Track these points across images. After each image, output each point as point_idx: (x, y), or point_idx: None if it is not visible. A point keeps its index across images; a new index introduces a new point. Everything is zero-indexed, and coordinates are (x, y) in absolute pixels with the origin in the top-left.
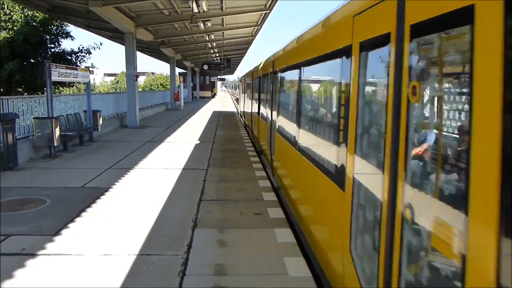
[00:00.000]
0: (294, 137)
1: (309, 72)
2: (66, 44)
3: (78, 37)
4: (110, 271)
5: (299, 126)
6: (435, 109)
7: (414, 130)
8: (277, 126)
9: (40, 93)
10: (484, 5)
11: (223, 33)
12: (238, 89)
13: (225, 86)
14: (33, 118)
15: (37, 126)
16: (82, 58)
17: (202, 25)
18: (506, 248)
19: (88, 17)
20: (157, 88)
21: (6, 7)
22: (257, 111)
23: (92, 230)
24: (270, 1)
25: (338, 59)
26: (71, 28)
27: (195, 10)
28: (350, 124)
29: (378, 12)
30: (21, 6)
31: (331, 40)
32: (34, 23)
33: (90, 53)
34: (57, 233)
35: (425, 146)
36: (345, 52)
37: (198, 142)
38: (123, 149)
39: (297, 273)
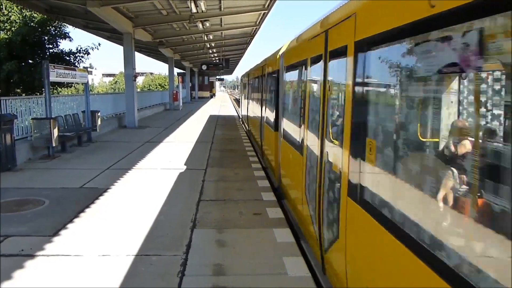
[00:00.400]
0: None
1: None
2: (64, 45)
3: (76, 38)
4: (109, 271)
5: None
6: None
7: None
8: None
9: (38, 93)
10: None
11: (221, 33)
12: (237, 89)
13: (223, 86)
14: (31, 118)
15: (35, 127)
16: (81, 59)
17: (200, 25)
18: None
19: (86, 18)
20: (156, 88)
21: (4, 8)
22: (273, 123)
23: (91, 230)
24: (268, 1)
25: None
26: (69, 29)
27: (194, 10)
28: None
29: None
30: (19, 7)
31: None
32: (32, 24)
33: (88, 53)
34: (56, 233)
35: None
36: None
37: (197, 142)
38: (121, 149)
39: (297, 273)
